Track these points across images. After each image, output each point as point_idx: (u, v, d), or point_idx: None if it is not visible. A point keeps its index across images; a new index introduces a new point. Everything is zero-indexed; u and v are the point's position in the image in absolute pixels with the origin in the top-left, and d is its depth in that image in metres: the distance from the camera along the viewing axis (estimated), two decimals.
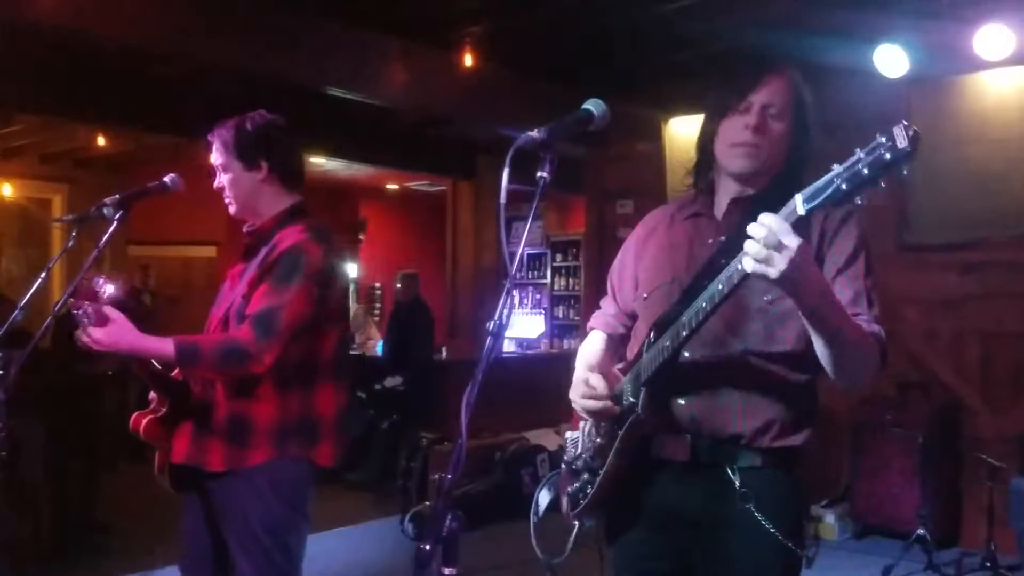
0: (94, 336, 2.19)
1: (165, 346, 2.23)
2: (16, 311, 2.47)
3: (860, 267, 1.75)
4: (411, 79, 5.64)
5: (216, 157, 2.47)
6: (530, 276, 11.67)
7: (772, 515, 1.72)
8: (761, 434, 1.75)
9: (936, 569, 4.43)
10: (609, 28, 5.23)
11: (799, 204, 1.40)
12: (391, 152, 8.12)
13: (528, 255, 11.62)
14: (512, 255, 1.46)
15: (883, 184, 1.35)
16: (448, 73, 5.75)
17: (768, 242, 1.41)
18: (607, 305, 2.11)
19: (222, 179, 2.47)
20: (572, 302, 11.14)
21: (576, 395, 1.87)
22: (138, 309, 8.03)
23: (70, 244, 2.56)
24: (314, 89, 5.52)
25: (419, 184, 10.69)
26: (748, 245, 1.43)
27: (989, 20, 4.76)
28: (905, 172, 1.34)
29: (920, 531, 4.50)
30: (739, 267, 1.48)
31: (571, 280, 11.21)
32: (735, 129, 1.77)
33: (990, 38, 4.77)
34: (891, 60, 5.08)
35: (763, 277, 1.44)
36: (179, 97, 6.25)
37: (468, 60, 5.67)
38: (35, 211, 8.87)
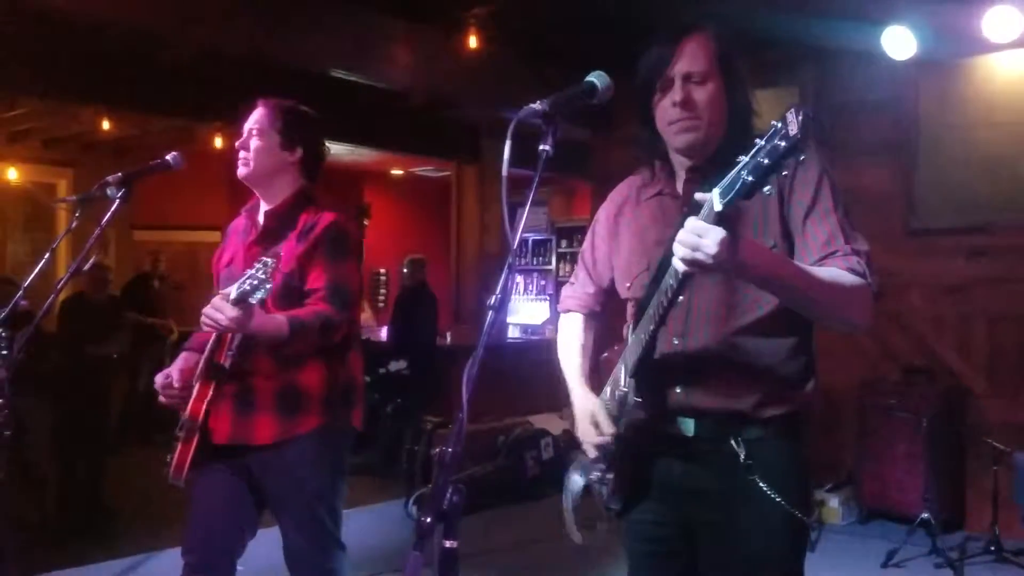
0: (228, 314, 2.17)
1: (281, 324, 2.30)
2: (20, 292, 2.47)
3: (826, 202, 1.71)
4: (415, 61, 5.62)
5: (256, 122, 2.52)
6: (535, 262, 11.66)
7: (778, 485, 1.72)
8: (762, 406, 1.75)
9: (940, 553, 4.43)
10: (614, 9, 5.19)
11: (716, 200, 1.40)
12: (395, 136, 8.09)
13: (533, 241, 11.60)
14: (514, 230, 1.46)
15: (785, 172, 1.35)
16: (453, 55, 5.72)
17: (688, 242, 1.42)
18: (583, 283, 2.10)
19: (251, 143, 2.50)
20: None
21: (584, 435, 1.86)
22: (147, 294, 8.07)
23: (74, 225, 2.56)
24: (318, 72, 5.50)
25: (424, 169, 10.67)
26: (674, 246, 1.45)
27: (998, 2, 4.72)
28: (802, 158, 1.34)
29: (924, 515, 4.50)
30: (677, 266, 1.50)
31: (576, 266, 11.18)
32: (665, 108, 1.76)
33: (998, 20, 4.74)
34: (899, 42, 5.04)
35: (697, 273, 1.46)
36: (184, 81, 6.23)
37: (473, 42, 5.64)
38: (40, 195, 8.86)
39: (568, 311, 2.11)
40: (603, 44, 5.64)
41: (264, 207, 2.58)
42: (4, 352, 2.33)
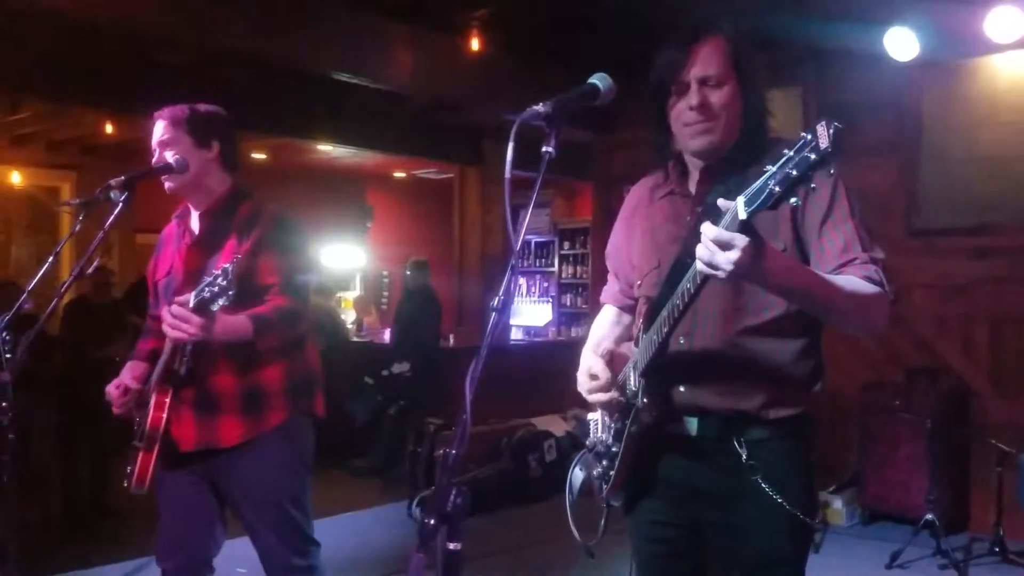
0: (192, 322, 2.17)
1: (245, 323, 2.30)
2: (23, 296, 2.47)
3: (843, 209, 1.71)
4: (417, 64, 5.62)
5: (163, 134, 2.52)
6: (538, 264, 11.66)
7: (781, 486, 1.72)
8: (766, 407, 1.75)
9: (945, 554, 4.42)
10: (617, 11, 5.19)
11: (741, 209, 1.39)
12: (397, 138, 8.09)
13: (536, 243, 11.61)
14: (517, 232, 1.46)
15: (813, 185, 1.34)
16: (455, 58, 5.72)
17: (713, 248, 1.42)
18: (611, 281, 2.14)
19: (167, 154, 2.50)
20: (580, 290, 11.11)
21: (583, 388, 1.88)
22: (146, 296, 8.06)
23: (77, 228, 2.55)
24: (320, 74, 5.50)
25: (426, 172, 10.67)
26: (697, 250, 1.45)
27: (1000, 3, 4.71)
28: (832, 171, 1.32)
29: (929, 516, 4.48)
30: (697, 270, 1.50)
31: (579, 268, 11.18)
32: (680, 111, 1.77)
33: (1001, 21, 4.73)
34: (902, 43, 5.04)
35: (716, 278, 1.46)
36: (187, 83, 6.23)
37: (475, 44, 5.64)
38: (43, 199, 8.87)
39: (605, 303, 2.17)
40: (605, 46, 5.65)
41: (196, 211, 2.57)
42: (8, 355, 2.33)
